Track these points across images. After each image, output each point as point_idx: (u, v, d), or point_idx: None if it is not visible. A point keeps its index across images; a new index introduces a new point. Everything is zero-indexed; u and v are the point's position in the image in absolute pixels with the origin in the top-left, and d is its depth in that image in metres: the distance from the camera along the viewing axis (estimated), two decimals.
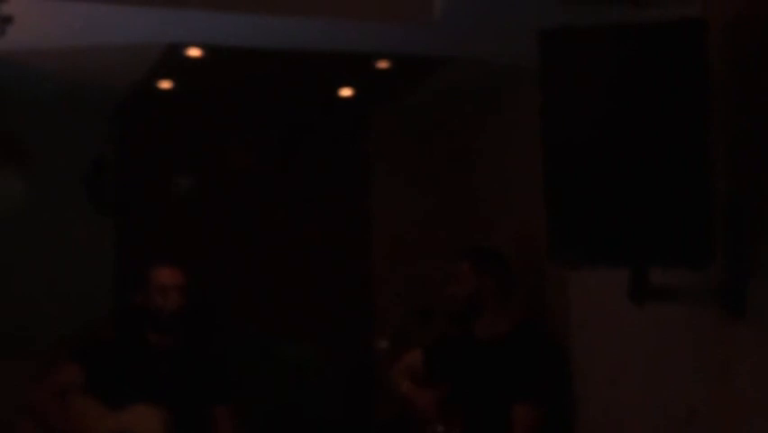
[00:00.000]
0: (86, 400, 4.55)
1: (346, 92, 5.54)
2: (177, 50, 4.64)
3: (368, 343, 5.56)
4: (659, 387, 3.92)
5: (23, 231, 5.30)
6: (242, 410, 4.85)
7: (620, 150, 3.30)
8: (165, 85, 5.27)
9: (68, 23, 4.18)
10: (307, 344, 5.69)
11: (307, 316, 5.75)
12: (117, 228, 5.60)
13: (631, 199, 3.27)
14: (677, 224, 3.24)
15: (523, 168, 4.95)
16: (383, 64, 4.98)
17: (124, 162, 5.64)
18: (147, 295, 4.73)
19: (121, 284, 5.45)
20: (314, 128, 5.91)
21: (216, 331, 5.25)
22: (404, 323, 5.18)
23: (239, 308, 5.63)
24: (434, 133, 5.92)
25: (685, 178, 3.24)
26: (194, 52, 4.71)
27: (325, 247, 5.89)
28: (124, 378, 4.62)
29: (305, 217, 5.88)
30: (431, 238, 5.79)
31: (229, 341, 5.27)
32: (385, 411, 5.42)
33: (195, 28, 4.32)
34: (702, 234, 3.22)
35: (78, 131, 5.52)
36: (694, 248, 3.22)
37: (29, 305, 5.24)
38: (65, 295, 5.32)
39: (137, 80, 5.14)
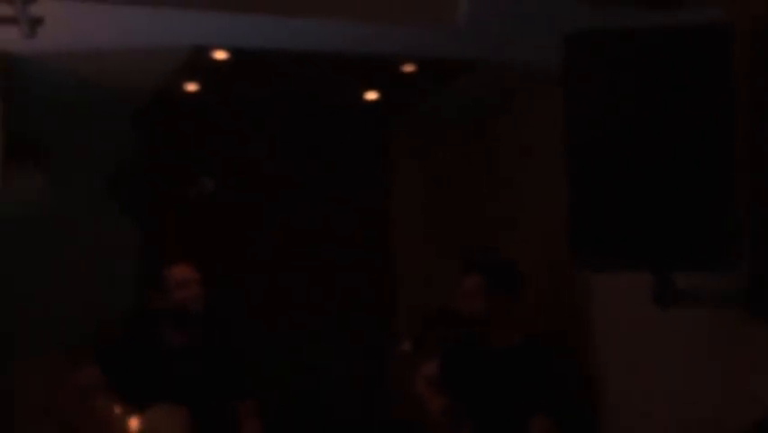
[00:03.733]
0: (109, 400, 4.56)
1: (371, 95, 5.55)
2: (203, 52, 4.67)
3: (386, 343, 5.59)
4: (684, 390, 3.91)
5: (49, 231, 5.33)
6: (263, 407, 4.87)
7: (644, 154, 3.30)
8: (191, 87, 5.29)
9: (96, 25, 4.21)
10: (325, 342, 5.71)
11: (326, 315, 5.78)
12: (141, 229, 5.63)
13: (655, 203, 3.27)
14: (701, 228, 3.23)
15: (547, 172, 4.94)
16: (408, 67, 4.99)
17: (150, 163, 5.67)
18: (167, 293, 4.75)
19: (144, 284, 5.48)
20: (338, 131, 5.93)
21: (236, 330, 5.26)
22: (425, 325, 5.17)
23: (259, 307, 5.67)
24: (458, 136, 5.93)
25: (709, 182, 3.24)
26: (220, 55, 4.73)
27: (346, 248, 5.91)
28: (146, 378, 4.63)
29: (327, 219, 5.91)
30: (453, 240, 5.80)
31: (248, 340, 5.28)
32: (401, 412, 5.42)
33: (221, 30, 4.34)
34: (726, 238, 3.21)
35: (105, 131, 5.55)
36: (718, 252, 3.21)
37: (53, 304, 5.27)
38: (89, 295, 5.34)
39: (163, 82, 5.16)
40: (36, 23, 3.40)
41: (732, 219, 3.23)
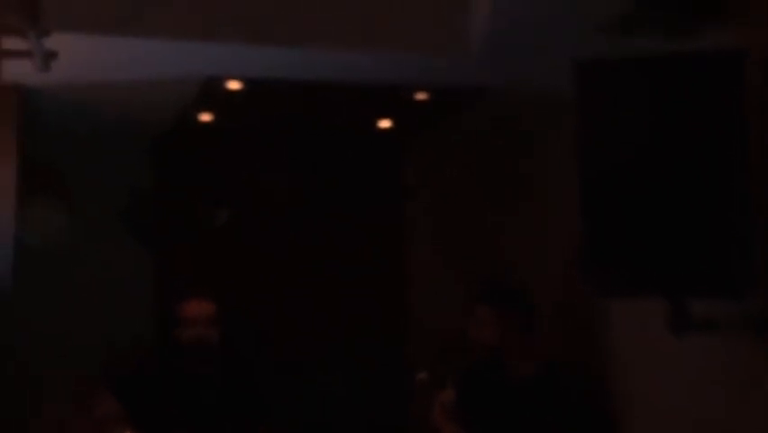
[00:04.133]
0: (125, 430, 4.57)
1: (385, 123, 5.57)
2: (216, 82, 4.69)
3: (403, 372, 5.57)
4: (699, 417, 3.89)
5: (64, 259, 5.36)
6: None
7: (656, 180, 3.29)
8: (205, 117, 5.31)
9: (110, 57, 4.24)
10: (338, 368, 5.71)
11: (340, 341, 5.78)
12: (156, 260, 5.65)
13: (668, 229, 3.26)
14: (715, 254, 3.22)
15: (560, 196, 4.94)
16: (421, 96, 5.00)
17: (165, 194, 5.69)
18: (181, 331, 4.77)
19: (157, 313, 5.50)
20: (352, 160, 5.95)
21: (253, 360, 5.27)
22: (441, 354, 5.16)
23: (273, 333, 5.67)
24: (471, 164, 5.94)
25: (722, 207, 3.23)
26: (233, 85, 4.75)
27: (362, 277, 5.91)
28: (161, 407, 4.65)
29: (342, 248, 5.92)
30: (466, 265, 5.79)
31: (262, 366, 5.29)
32: None
33: (234, 61, 4.36)
34: (740, 263, 3.20)
35: (119, 162, 5.59)
36: (732, 278, 3.19)
37: (68, 332, 5.29)
38: (103, 323, 5.37)
39: (178, 113, 5.18)
40: (50, 56, 3.41)
41: (745, 245, 3.21)
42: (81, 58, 4.12)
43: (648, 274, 3.28)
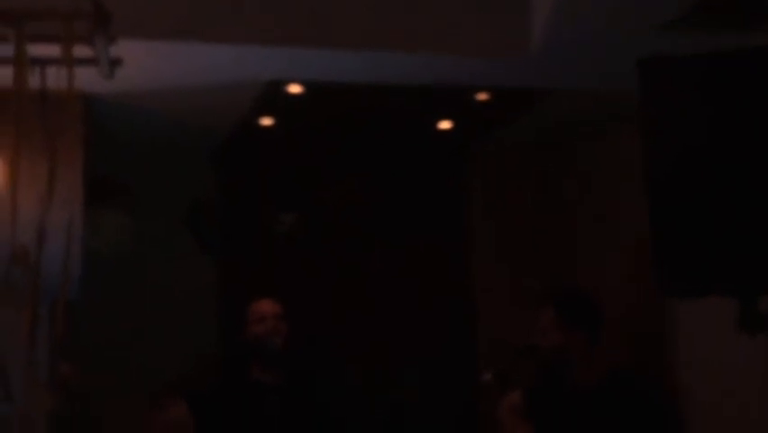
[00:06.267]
0: None
1: (445, 125, 5.56)
2: (277, 86, 4.70)
3: (472, 377, 5.54)
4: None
5: (129, 269, 5.41)
6: None
7: (724, 177, 3.25)
8: (266, 122, 5.33)
9: (172, 63, 4.27)
10: (410, 380, 5.69)
11: (410, 350, 5.76)
12: (220, 267, 5.68)
13: (739, 226, 3.22)
14: None
15: (628, 198, 4.90)
16: (482, 96, 4.99)
17: (228, 200, 5.72)
18: (248, 329, 4.77)
19: (225, 323, 5.52)
20: (413, 161, 5.94)
21: (319, 367, 5.27)
22: (508, 356, 5.14)
23: (341, 343, 5.67)
24: (532, 165, 5.91)
25: None
26: (294, 89, 4.76)
27: (427, 281, 5.90)
28: (232, 416, 4.65)
29: (405, 251, 5.91)
30: (532, 271, 5.76)
31: (332, 377, 5.29)
32: None
33: (295, 64, 4.38)
34: None
35: (182, 169, 5.63)
36: None
37: (136, 343, 5.33)
38: (171, 333, 5.40)
39: (239, 118, 5.21)
40: (115, 63, 3.44)
41: None
42: (143, 65, 4.15)
43: (719, 273, 3.24)
